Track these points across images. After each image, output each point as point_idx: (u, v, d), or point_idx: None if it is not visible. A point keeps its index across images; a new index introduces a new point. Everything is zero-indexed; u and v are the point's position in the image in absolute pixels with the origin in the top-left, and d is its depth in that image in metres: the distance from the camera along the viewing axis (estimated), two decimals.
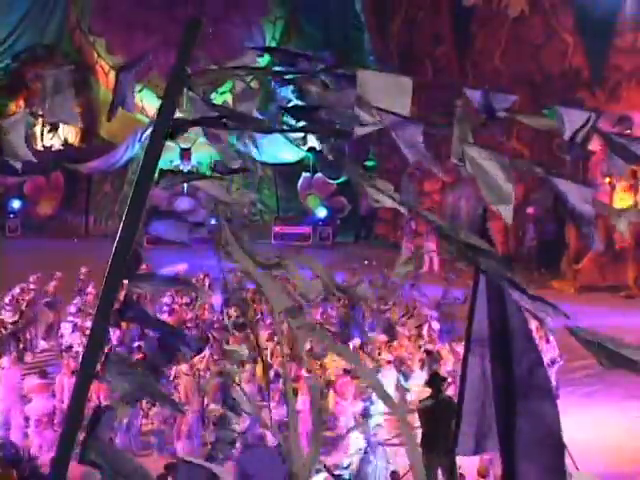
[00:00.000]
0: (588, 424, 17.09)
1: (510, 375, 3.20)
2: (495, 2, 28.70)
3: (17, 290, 20.91)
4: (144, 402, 16.81)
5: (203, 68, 3.39)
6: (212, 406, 16.47)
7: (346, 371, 16.91)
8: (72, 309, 20.78)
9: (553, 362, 19.03)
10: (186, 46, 3.31)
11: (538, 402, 3.19)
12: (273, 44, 32.19)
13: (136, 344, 18.17)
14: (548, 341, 19.01)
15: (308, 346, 18.28)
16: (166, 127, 3.31)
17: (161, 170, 3.46)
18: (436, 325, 19.51)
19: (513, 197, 3.34)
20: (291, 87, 3.62)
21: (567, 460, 4.25)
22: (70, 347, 18.54)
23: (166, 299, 21.04)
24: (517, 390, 3.17)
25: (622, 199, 25.86)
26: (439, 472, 12.48)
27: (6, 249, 27.73)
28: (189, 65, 3.31)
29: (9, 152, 3.50)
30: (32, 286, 21.34)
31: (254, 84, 3.67)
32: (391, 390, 16.72)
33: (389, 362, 16.86)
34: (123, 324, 17.62)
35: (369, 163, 31.23)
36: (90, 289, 21.39)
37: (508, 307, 3.31)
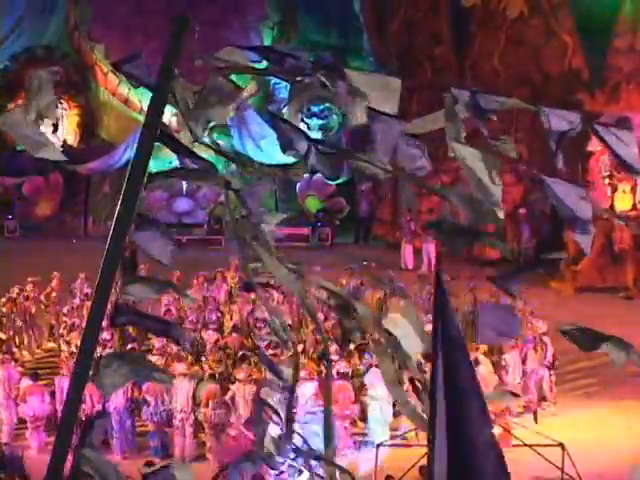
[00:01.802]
0: (588, 424, 17.10)
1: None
2: (494, 3, 28.70)
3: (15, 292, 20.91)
4: (136, 405, 16.83)
5: (193, 67, 3.38)
6: (206, 409, 16.45)
7: (340, 374, 16.91)
8: (65, 310, 20.79)
9: (553, 364, 19.04)
10: (174, 45, 3.30)
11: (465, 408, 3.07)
12: None
13: (129, 346, 18.17)
14: (546, 345, 19.02)
15: (300, 347, 18.32)
16: (155, 127, 3.29)
17: (150, 174, 3.42)
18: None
19: (500, 199, 3.34)
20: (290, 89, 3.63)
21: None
22: (67, 347, 18.57)
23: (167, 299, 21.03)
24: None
25: (622, 200, 25.87)
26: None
27: (5, 250, 27.72)
28: (177, 63, 3.30)
29: (22, 142, 3.46)
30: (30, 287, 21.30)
31: (253, 86, 3.66)
32: (383, 388, 16.74)
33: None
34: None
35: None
36: (85, 289, 21.36)
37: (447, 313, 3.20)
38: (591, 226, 3.41)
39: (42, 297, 21.47)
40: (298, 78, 3.48)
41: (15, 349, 19.66)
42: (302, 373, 16.95)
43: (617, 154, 3.48)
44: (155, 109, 3.30)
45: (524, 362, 18.68)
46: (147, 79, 3.41)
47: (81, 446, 3.07)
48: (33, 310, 21.00)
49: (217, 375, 17.21)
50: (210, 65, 3.54)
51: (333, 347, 17.74)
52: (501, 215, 3.36)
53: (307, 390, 16.49)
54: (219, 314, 20.54)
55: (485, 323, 3.59)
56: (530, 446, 13.01)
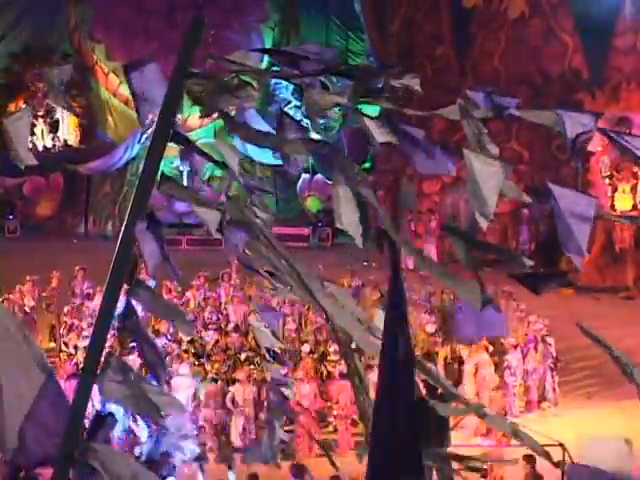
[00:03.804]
0: (588, 424, 17.11)
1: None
2: (495, 3, 28.71)
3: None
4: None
5: (204, 71, 3.38)
6: (206, 411, 16.46)
7: (342, 375, 16.90)
8: (65, 310, 20.75)
9: (555, 365, 19.06)
10: (188, 46, 3.29)
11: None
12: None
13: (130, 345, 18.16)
14: (549, 346, 19.03)
15: (307, 348, 18.33)
16: (168, 128, 3.29)
17: (163, 175, 3.43)
18: (431, 328, 19.46)
19: (492, 212, 3.34)
20: (291, 88, 3.62)
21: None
22: (66, 348, 18.55)
23: (165, 296, 21.06)
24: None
25: (622, 200, 25.86)
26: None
27: (6, 250, 27.71)
28: (191, 66, 3.29)
29: (13, 154, 3.47)
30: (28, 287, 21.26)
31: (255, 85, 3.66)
32: None
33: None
34: None
35: (368, 164, 31.22)
36: (85, 289, 21.34)
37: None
38: (584, 247, 3.37)
39: (44, 294, 21.41)
40: (307, 80, 3.48)
41: None
42: (300, 374, 16.96)
43: (626, 149, 3.46)
44: (168, 109, 3.29)
45: (524, 361, 18.69)
46: (149, 89, 3.38)
47: (88, 441, 3.06)
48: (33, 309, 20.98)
49: (218, 376, 17.21)
50: (221, 66, 3.55)
51: (332, 348, 17.75)
52: (484, 225, 3.35)
53: (305, 390, 16.53)
54: (220, 315, 20.54)
55: (467, 319, 3.54)
56: None
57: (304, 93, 3.46)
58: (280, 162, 3.91)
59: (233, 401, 16.30)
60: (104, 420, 3.17)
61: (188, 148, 3.47)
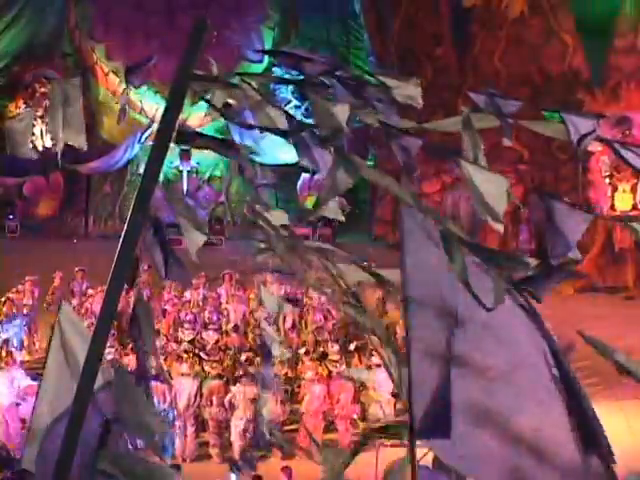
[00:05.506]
0: None
1: None
2: (495, 3, 28.70)
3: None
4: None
5: (208, 73, 3.37)
6: (210, 409, 16.46)
7: (340, 374, 16.89)
8: None
9: None
10: (192, 46, 3.28)
11: None
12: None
13: (130, 346, 18.15)
14: None
15: (304, 350, 18.32)
16: (171, 129, 3.28)
17: (167, 180, 3.44)
18: None
19: (503, 215, 3.35)
20: (290, 88, 3.61)
21: None
22: None
23: (166, 295, 21.10)
24: None
25: (622, 200, 25.86)
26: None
27: (5, 250, 27.69)
28: (195, 66, 3.29)
29: (12, 148, 3.47)
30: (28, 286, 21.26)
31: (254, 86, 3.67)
32: (385, 389, 16.69)
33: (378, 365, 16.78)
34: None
35: (369, 164, 31.18)
36: (84, 290, 21.33)
37: None
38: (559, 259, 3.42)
39: (47, 298, 21.40)
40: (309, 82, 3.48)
41: (14, 349, 19.61)
42: (309, 374, 16.95)
43: (624, 158, 3.47)
44: (172, 110, 3.29)
45: None
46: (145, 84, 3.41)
47: (99, 448, 3.05)
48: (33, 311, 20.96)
49: (220, 375, 17.20)
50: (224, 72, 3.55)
51: (334, 347, 17.75)
52: (500, 228, 3.36)
53: (316, 391, 16.51)
54: (220, 315, 20.53)
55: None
56: None
57: (314, 110, 3.45)
58: (278, 162, 3.90)
59: (231, 402, 16.30)
60: (111, 428, 3.16)
61: (197, 141, 3.45)
